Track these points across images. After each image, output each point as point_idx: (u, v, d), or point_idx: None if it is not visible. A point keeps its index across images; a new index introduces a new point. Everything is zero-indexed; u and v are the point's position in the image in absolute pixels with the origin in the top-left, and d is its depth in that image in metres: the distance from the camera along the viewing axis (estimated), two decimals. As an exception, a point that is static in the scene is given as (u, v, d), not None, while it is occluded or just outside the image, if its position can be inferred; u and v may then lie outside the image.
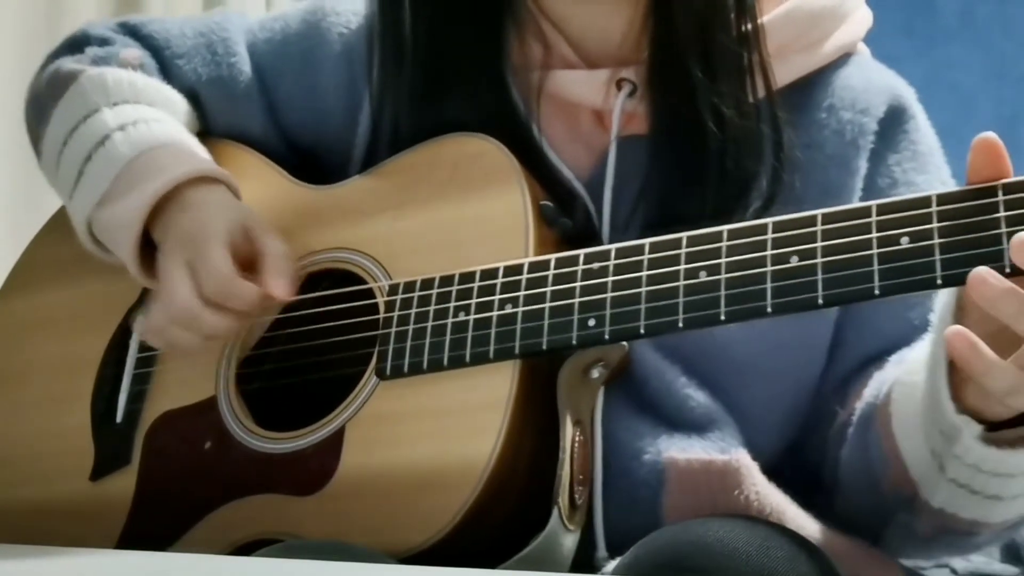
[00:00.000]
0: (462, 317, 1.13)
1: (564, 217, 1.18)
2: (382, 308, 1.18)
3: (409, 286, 1.17)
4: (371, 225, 1.23)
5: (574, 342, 1.10)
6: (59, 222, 1.35)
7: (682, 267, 1.07)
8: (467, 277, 1.14)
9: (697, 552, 1.00)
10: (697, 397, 1.16)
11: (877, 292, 0.99)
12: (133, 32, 1.39)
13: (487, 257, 1.14)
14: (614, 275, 1.09)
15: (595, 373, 1.13)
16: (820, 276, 1.01)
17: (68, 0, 2.11)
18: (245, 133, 1.35)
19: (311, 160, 1.33)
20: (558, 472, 1.09)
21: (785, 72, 1.22)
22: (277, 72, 1.35)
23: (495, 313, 1.12)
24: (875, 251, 1.00)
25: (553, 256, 1.12)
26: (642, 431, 1.15)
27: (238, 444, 1.20)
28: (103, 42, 1.38)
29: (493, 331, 1.12)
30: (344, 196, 1.27)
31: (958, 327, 0.95)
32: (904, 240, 0.99)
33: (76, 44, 1.39)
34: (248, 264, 1.21)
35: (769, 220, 1.05)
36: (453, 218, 1.19)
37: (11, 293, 1.40)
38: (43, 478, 1.30)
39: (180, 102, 1.35)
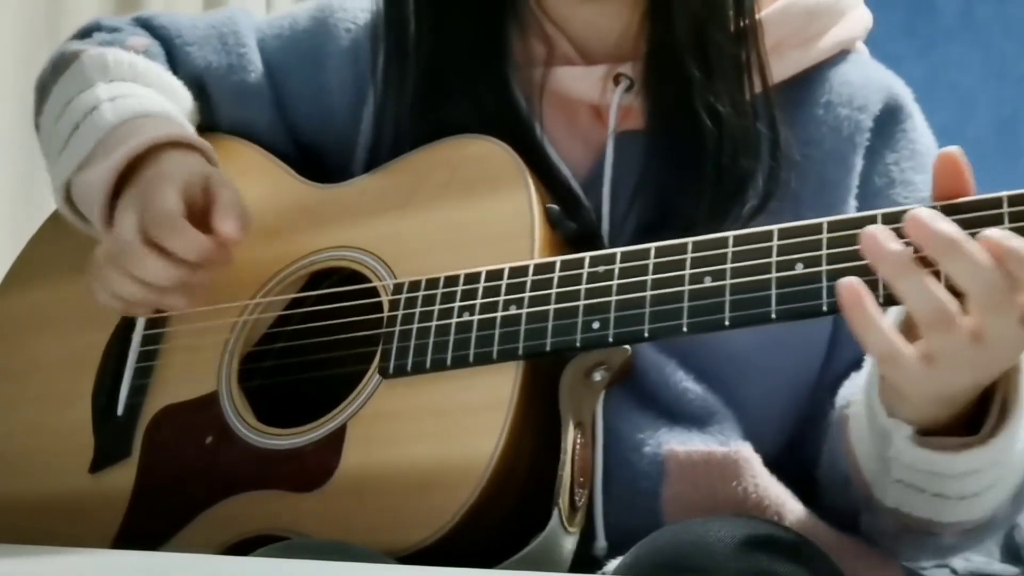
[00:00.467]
0: (466, 317, 1.13)
1: (569, 220, 1.18)
2: (386, 307, 1.18)
3: (414, 285, 1.17)
4: (376, 224, 1.23)
5: (578, 344, 1.10)
6: (60, 218, 1.35)
7: (687, 272, 1.07)
8: (472, 277, 1.14)
9: (697, 552, 1.00)
10: (695, 391, 1.16)
11: (881, 301, 0.99)
12: (145, 24, 1.41)
13: (492, 258, 1.14)
14: (619, 279, 1.09)
15: (597, 376, 1.13)
16: (825, 283, 1.01)
17: (68, 0, 2.10)
18: (251, 127, 1.35)
19: (315, 157, 1.33)
20: (559, 474, 1.09)
21: (782, 68, 1.22)
22: (286, 68, 1.35)
23: (499, 314, 1.12)
24: None
25: (558, 258, 1.12)
26: (642, 424, 1.15)
27: (239, 440, 1.20)
28: (113, 31, 1.39)
29: (497, 332, 1.12)
30: (350, 195, 1.27)
31: (852, 278, 0.95)
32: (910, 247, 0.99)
33: (87, 32, 1.41)
34: (203, 219, 1.20)
35: (775, 227, 1.05)
36: (459, 219, 1.19)
37: (11, 289, 1.40)
38: (43, 473, 1.30)
39: (182, 91, 1.35)
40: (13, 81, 1.70)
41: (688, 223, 1.12)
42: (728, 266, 1.05)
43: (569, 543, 1.09)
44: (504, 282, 1.13)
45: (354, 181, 1.28)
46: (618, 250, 1.11)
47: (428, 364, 1.13)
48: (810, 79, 1.24)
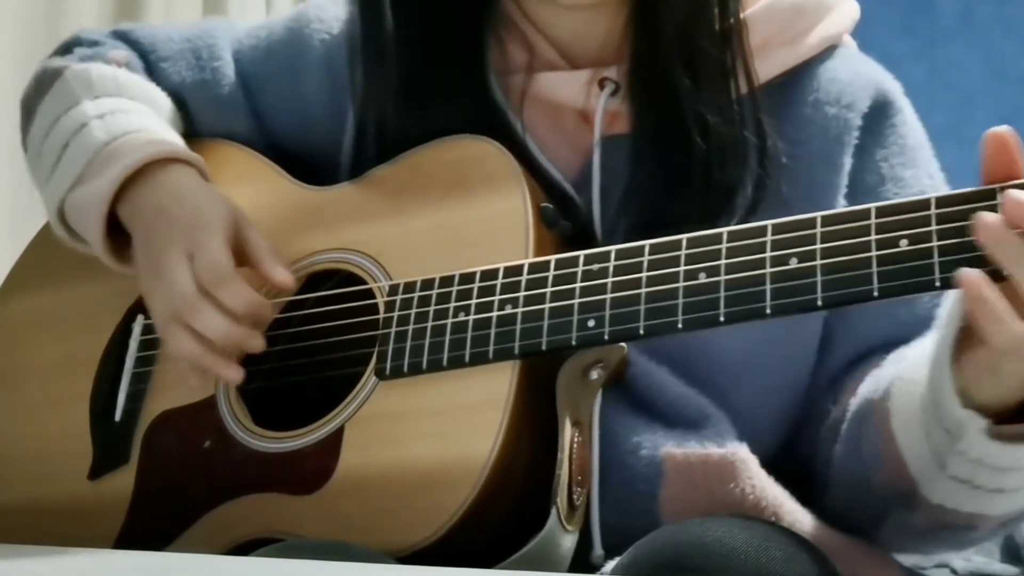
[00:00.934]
0: (462, 317, 1.13)
1: (563, 219, 1.18)
2: (382, 308, 1.18)
3: (409, 286, 1.17)
4: (371, 226, 1.23)
5: (573, 343, 1.10)
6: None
7: (682, 268, 1.07)
8: (467, 278, 1.14)
9: (696, 552, 1.00)
10: (689, 395, 1.16)
11: (876, 294, 1.00)
12: (123, 37, 1.41)
13: (487, 258, 1.14)
14: (614, 276, 1.09)
15: (594, 374, 1.13)
16: (819, 278, 1.02)
17: (68, 0, 2.11)
18: (231, 137, 1.36)
19: (298, 165, 1.33)
20: (557, 473, 1.09)
21: (769, 66, 1.22)
22: (261, 79, 1.36)
23: (495, 314, 1.12)
24: (874, 253, 1.00)
25: (553, 257, 1.12)
26: (638, 427, 1.15)
27: (237, 443, 1.21)
28: (93, 44, 1.40)
29: (493, 331, 1.12)
30: (345, 197, 1.27)
31: (973, 271, 0.95)
32: (903, 242, 0.99)
33: (67, 47, 1.41)
34: (237, 259, 1.21)
35: (768, 222, 1.05)
36: (454, 219, 1.19)
37: (10, 294, 1.40)
38: (42, 478, 1.30)
39: (164, 101, 1.36)
40: (13, 81, 1.70)
41: (676, 230, 1.12)
42: (722, 262, 1.05)
43: (568, 542, 1.09)
44: (499, 282, 1.13)
45: (348, 183, 1.28)
46: (612, 248, 1.11)
47: (424, 365, 1.14)
48: (798, 77, 1.24)
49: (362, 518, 1.12)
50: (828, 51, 1.26)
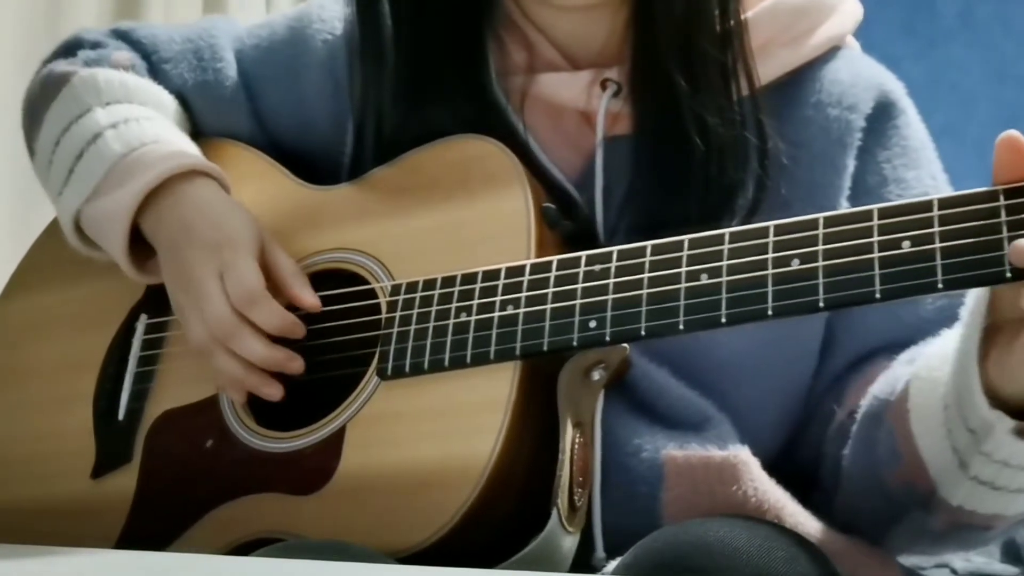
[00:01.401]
0: (464, 318, 1.13)
1: (565, 219, 1.18)
2: (384, 308, 1.18)
3: (411, 286, 1.17)
4: (374, 226, 1.23)
5: (575, 343, 1.10)
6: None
7: (683, 269, 1.07)
8: (469, 278, 1.14)
9: (697, 552, 1.00)
10: (690, 397, 1.16)
11: (878, 296, 0.99)
12: (124, 37, 1.41)
13: (489, 258, 1.14)
14: (616, 277, 1.09)
15: (596, 375, 1.13)
16: (821, 279, 1.01)
17: (68, 0, 2.11)
18: (233, 136, 1.36)
19: (301, 165, 1.33)
20: (558, 473, 1.09)
21: (771, 67, 1.22)
22: (263, 80, 1.36)
23: (497, 314, 1.12)
24: (876, 255, 1.00)
25: (555, 258, 1.12)
26: (640, 430, 1.15)
27: (239, 443, 1.21)
28: (95, 46, 1.39)
29: (494, 332, 1.12)
30: (347, 197, 1.27)
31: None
32: (905, 244, 0.99)
33: (69, 48, 1.40)
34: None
35: (771, 223, 1.05)
36: (456, 219, 1.19)
37: (14, 294, 1.41)
38: (44, 477, 1.30)
39: (170, 102, 1.36)
40: (13, 81, 1.70)
41: (678, 231, 1.12)
42: (724, 263, 1.05)
43: (568, 543, 1.09)
44: (501, 282, 1.13)
45: (351, 183, 1.28)
46: (614, 249, 1.11)
47: (426, 365, 1.14)
48: (800, 78, 1.24)
49: (363, 518, 1.11)
50: (831, 52, 1.26)
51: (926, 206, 0.99)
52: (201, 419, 1.24)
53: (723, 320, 1.04)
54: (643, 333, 1.08)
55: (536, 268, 1.12)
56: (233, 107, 1.36)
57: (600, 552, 1.12)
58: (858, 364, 1.19)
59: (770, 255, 1.04)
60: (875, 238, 1.00)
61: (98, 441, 1.28)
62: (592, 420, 1.13)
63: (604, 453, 1.14)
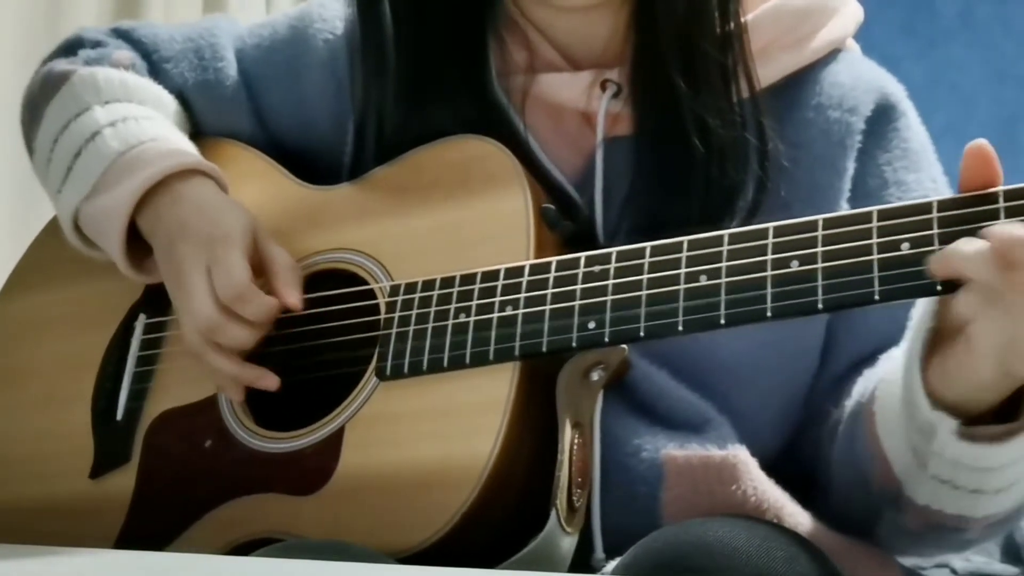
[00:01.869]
0: (463, 318, 1.13)
1: (565, 220, 1.18)
2: (383, 309, 1.18)
3: (410, 287, 1.17)
4: (373, 226, 1.23)
5: (574, 344, 1.10)
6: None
7: (683, 271, 1.07)
8: (468, 279, 1.14)
9: (697, 552, 1.00)
10: (689, 399, 1.16)
11: (877, 297, 0.99)
12: (124, 36, 1.41)
13: (488, 259, 1.14)
14: (615, 278, 1.09)
15: (595, 376, 1.13)
16: (820, 281, 1.01)
17: (68, 0, 2.11)
18: (234, 136, 1.36)
19: (301, 165, 1.33)
20: (557, 474, 1.09)
21: (772, 70, 1.22)
22: (264, 79, 1.36)
23: (496, 315, 1.12)
24: (875, 257, 1.00)
25: (554, 259, 1.12)
26: (639, 430, 1.15)
27: (238, 443, 1.21)
28: (96, 45, 1.39)
29: (493, 332, 1.12)
30: (346, 197, 1.27)
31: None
32: (905, 245, 0.99)
33: (70, 47, 1.41)
34: (255, 270, 1.22)
35: (770, 225, 1.05)
36: (455, 220, 1.19)
37: (13, 293, 1.41)
38: (43, 477, 1.30)
39: (171, 102, 1.36)
40: (13, 81, 1.69)
41: (678, 232, 1.12)
42: (723, 264, 1.05)
43: (567, 543, 1.09)
44: (500, 283, 1.13)
45: (350, 183, 1.28)
46: (614, 250, 1.11)
47: (425, 365, 1.14)
48: (800, 81, 1.24)
49: (362, 519, 1.11)
50: (831, 55, 1.26)
51: (925, 208, 0.99)
52: (200, 419, 1.24)
53: (722, 321, 1.05)
54: (642, 334, 1.08)
55: (535, 269, 1.12)
56: (234, 106, 1.36)
57: (599, 552, 1.12)
58: (858, 365, 1.19)
59: (769, 256, 1.04)
60: (874, 240, 1.00)
61: (97, 441, 1.28)
62: (591, 421, 1.13)
63: (604, 453, 1.13)
